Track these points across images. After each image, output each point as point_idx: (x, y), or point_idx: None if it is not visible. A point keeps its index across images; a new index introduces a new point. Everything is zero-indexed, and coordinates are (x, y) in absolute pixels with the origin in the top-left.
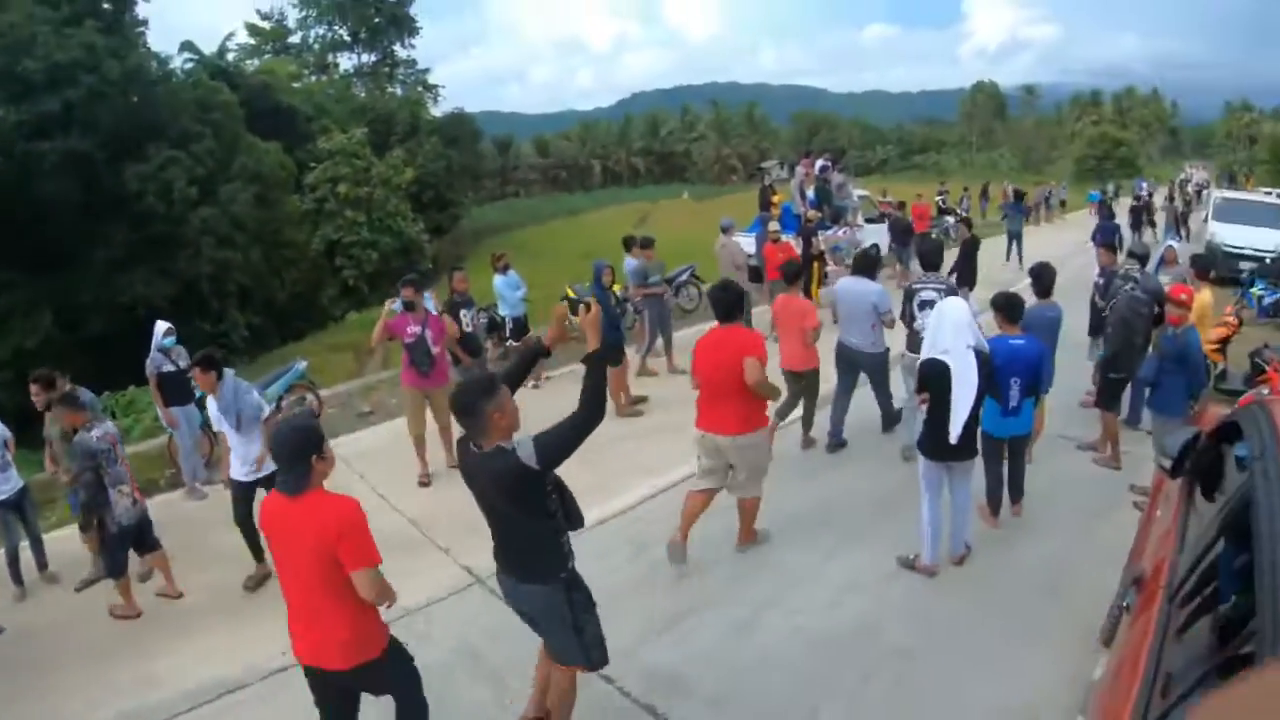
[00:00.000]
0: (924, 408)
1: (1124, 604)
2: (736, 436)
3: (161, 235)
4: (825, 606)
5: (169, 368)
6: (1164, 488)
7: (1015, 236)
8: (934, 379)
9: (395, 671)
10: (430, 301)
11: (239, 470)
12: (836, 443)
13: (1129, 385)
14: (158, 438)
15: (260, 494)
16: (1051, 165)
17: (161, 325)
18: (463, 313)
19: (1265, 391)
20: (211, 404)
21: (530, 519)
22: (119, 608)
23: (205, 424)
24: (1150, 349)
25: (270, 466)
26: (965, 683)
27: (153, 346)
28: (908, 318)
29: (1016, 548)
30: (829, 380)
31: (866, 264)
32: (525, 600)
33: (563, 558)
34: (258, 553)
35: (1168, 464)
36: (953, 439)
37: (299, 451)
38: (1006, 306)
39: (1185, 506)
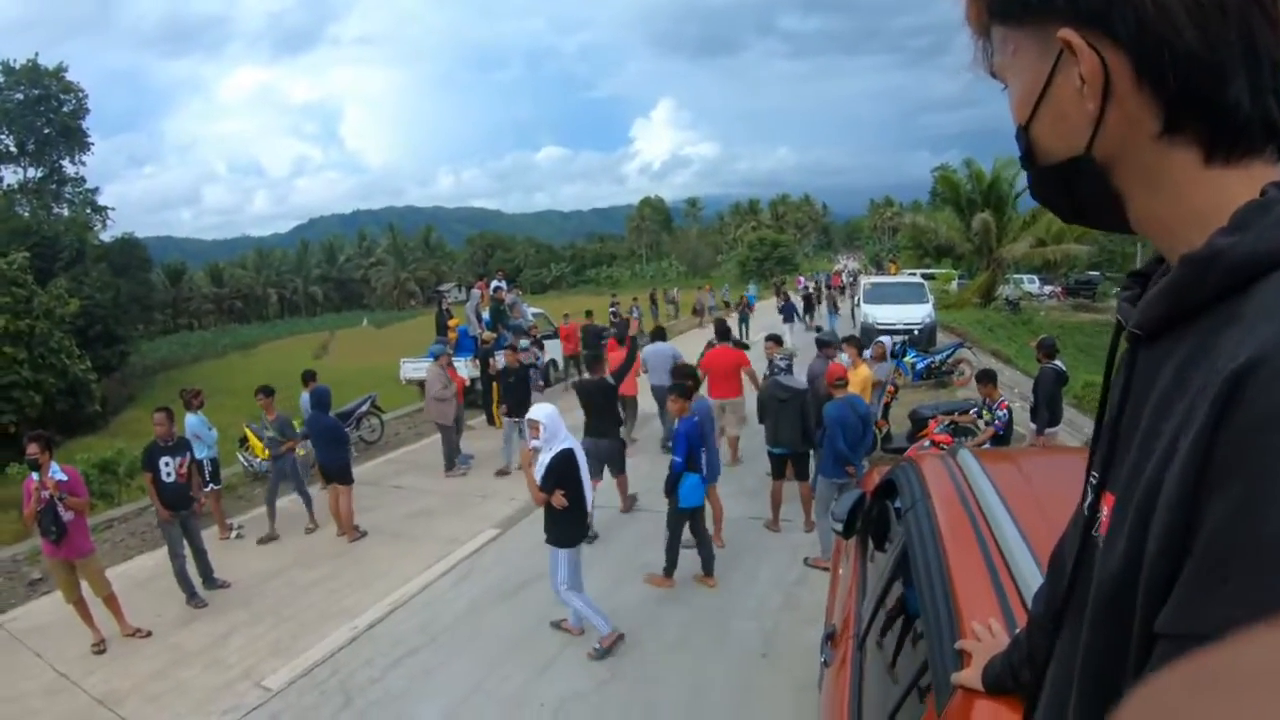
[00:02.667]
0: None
1: (822, 659)
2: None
3: None
4: None
5: None
6: (842, 548)
7: (745, 321)
8: (567, 470)
9: None
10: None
11: None
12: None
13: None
14: None
15: None
16: (717, 269)
17: None
18: (164, 461)
19: (927, 444)
20: None
21: (612, 407)
22: None
23: None
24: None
25: None
26: None
27: None
28: None
29: (728, 623)
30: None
31: (660, 334)
32: (603, 449)
33: (620, 427)
34: None
35: (839, 527)
36: (590, 509)
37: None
38: (686, 392)
39: (862, 561)
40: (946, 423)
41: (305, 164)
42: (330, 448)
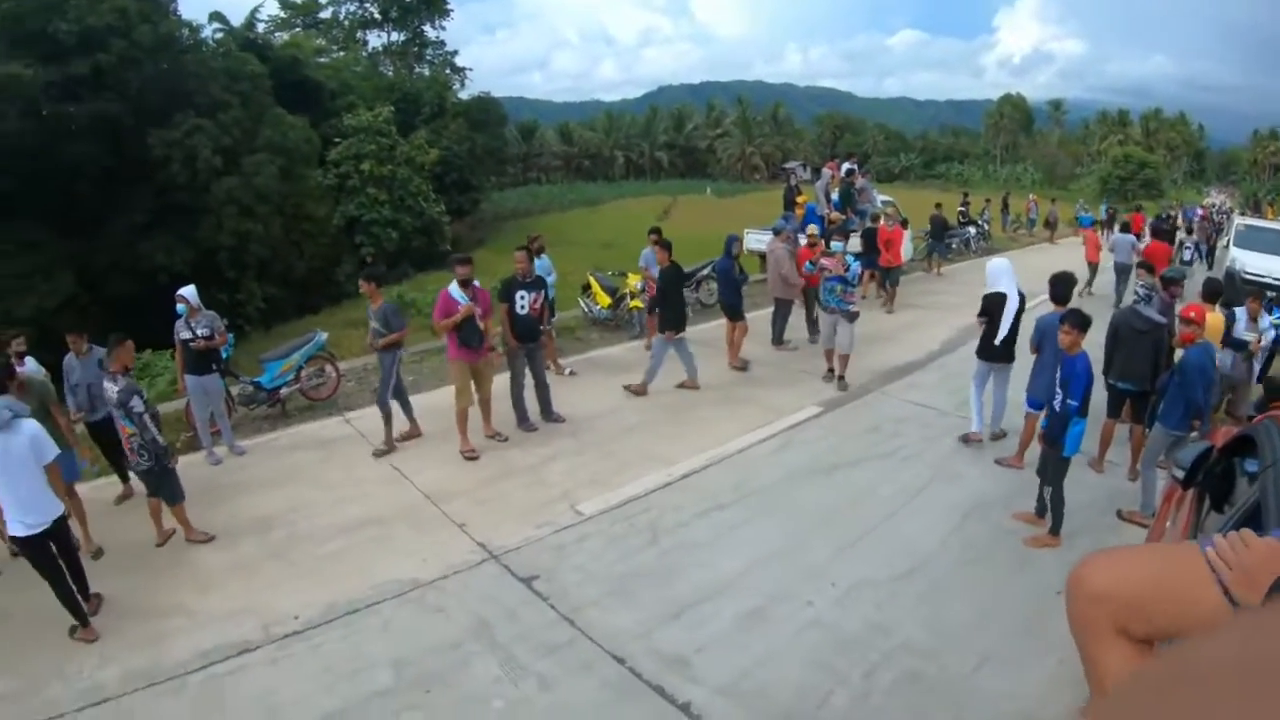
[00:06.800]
0: (982, 327)
1: None
2: None
3: (184, 203)
4: (835, 603)
5: (185, 335)
6: (1174, 498)
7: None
8: (991, 307)
9: None
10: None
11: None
12: None
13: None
14: (176, 400)
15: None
16: (1076, 182)
17: (184, 291)
18: (519, 295)
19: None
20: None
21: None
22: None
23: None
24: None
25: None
26: (973, 676)
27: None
28: None
29: (1030, 551)
30: None
31: (1126, 228)
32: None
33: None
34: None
35: (1180, 475)
36: (998, 340)
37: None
38: (1084, 323)
39: (1195, 518)
40: None
41: (654, 34)
42: (732, 289)
